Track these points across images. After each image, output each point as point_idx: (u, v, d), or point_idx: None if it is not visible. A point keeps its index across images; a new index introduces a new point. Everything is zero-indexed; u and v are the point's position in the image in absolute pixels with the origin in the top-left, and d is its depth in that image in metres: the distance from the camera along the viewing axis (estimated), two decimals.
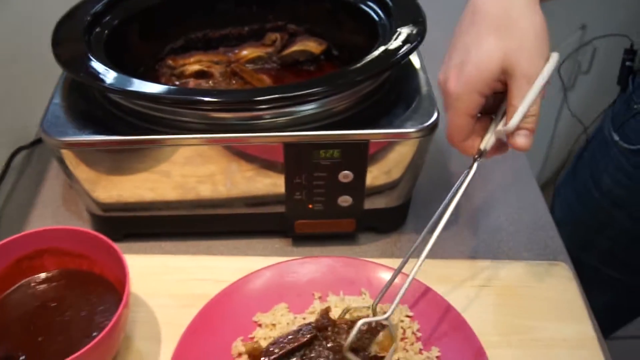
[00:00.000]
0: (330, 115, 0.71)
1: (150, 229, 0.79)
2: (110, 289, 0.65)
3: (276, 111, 0.69)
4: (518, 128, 0.59)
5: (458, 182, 0.63)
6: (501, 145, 0.63)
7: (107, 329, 0.57)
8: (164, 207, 0.76)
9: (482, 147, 0.62)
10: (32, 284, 0.66)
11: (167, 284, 0.72)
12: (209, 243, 0.79)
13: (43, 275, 0.67)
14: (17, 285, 0.66)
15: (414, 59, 0.80)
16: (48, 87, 0.75)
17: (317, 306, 0.68)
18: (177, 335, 0.64)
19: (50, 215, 0.83)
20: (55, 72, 0.75)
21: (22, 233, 0.65)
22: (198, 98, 0.67)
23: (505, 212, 0.84)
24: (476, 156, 0.63)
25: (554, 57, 0.59)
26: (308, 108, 0.69)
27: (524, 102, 0.58)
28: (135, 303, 0.70)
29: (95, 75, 0.69)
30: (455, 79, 0.59)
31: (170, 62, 0.86)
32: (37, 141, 0.92)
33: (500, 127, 0.61)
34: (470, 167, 0.63)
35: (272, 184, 0.73)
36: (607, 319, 1.06)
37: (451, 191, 0.63)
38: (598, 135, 1.08)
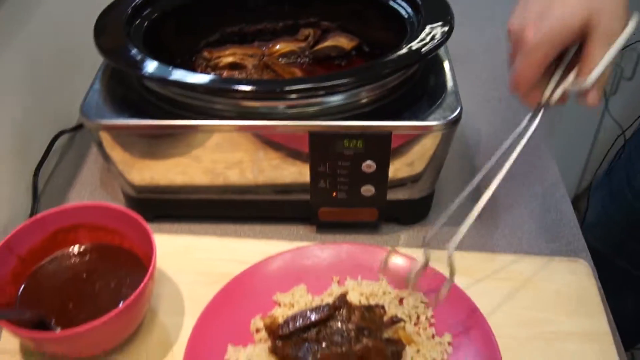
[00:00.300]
0: (356, 107, 0.73)
1: (180, 212, 0.83)
2: (138, 264, 0.69)
3: (305, 101, 0.72)
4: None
5: (519, 130, 0.64)
6: (563, 97, 0.64)
7: (132, 297, 0.60)
8: (193, 191, 0.79)
9: (547, 97, 0.63)
10: (67, 256, 0.70)
11: (193, 263, 0.75)
12: (236, 227, 0.82)
13: (77, 248, 0.71)
14: (52, 256, 0.70)
15: (442, 55, 0.82)
16: (91, 77, 0.79)
17: (335, 289, 0.70)
18: (200, 310, 0.67)
19: (87, 195, 0.87)
20: (98, 62, 0.79)
21: (60, 207, 0.69)
22: (232, 87, 0.70)
23: (528, 208, 0.85)
24: (541, 105, 0.64)
25: (635, 18, 0.60)
26: (335, 99, 0.72)
27: (602, 61, 0.59)
28: (162, 279, 0.73)
29: (135, 63, 0.72)
30: (534, 29, 0.60)
31: (206, 54, 0.89)
32: (79, 126, 0.97)
33: (571, 79, 0.62)
34: (535, 116, 0.64)
35: (298, 171, 0.76)
36: (636, 324, 1.06)
37: (507, 143, 0.65)
38: (635, 137, 1.08)
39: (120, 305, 0.62)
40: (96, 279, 0.68)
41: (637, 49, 1.82)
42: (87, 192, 0.88)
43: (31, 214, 0.84)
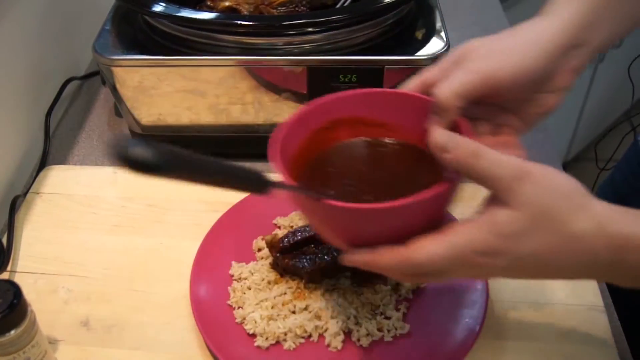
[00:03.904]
0: (351, 45, 0.78)
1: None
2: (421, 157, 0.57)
3: (302, 38, 0.76)
4: None
5: None
6: None
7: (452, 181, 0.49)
8: (198, 130, 0.84)
9: None
10: (351, 145, 0.59)
11: (198, 193, 0.79)
12: (241, 164, 0.87)
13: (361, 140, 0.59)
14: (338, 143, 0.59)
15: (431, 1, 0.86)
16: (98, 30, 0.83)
17: None
18: (204, 234, 0.72)
19: (96, 136, 0.92)
20: (104, 17, 0.84)
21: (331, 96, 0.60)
22: (234, 22, 0.76)
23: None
24: None
25: None
26: (331, 37, 0.77)
27: None
28: (170, 207, 0.79)
29: (144, 3, 0.77)
30: None
31: (209, 2, 0.93)
32: (87, 75, 1.01)
33: None
34: None
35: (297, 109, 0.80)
36: None
37: None
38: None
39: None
40: (382, 168, 0.58)
41: None
42: (96, 134, 0.93)
43: (43, 152, 0.88)
